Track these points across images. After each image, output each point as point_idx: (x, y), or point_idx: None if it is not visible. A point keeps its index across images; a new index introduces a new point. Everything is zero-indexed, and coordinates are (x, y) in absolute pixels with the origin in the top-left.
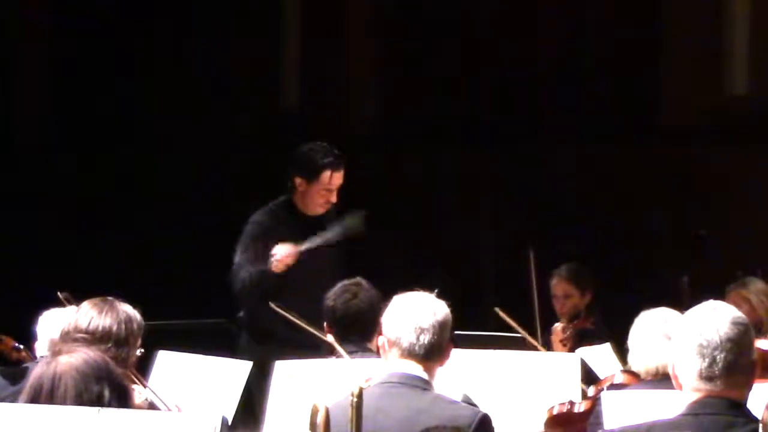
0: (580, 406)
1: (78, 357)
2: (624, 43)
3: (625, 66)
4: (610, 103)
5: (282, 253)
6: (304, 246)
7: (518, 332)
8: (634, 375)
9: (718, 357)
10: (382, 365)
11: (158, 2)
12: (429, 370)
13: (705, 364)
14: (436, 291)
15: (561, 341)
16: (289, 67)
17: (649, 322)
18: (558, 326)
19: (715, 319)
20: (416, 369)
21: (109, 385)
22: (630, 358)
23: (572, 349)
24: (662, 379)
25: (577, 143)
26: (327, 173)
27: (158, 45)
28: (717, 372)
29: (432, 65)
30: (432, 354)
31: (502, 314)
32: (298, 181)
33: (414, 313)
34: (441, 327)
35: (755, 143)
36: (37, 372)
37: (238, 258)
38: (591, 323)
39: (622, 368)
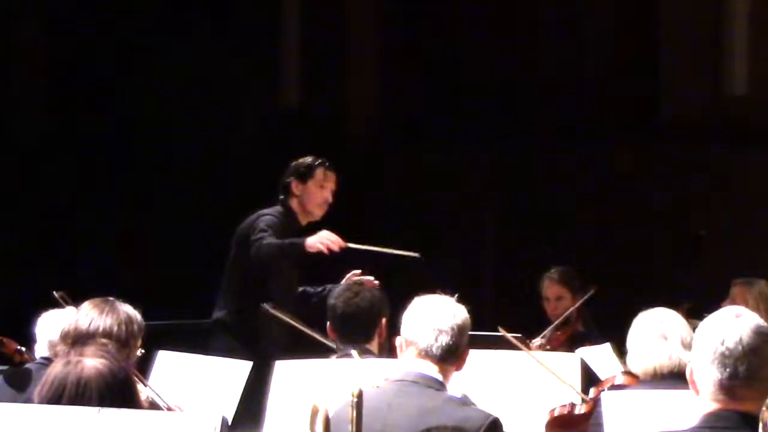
0: (581, 408)
1: (105, 366)
2: (624, 43)
3: (625, 66)
4: (610, 103)
5: (327, 238)
6: (352, 244)
7: (519, 346)
8: (634, 376)
9: (740, 368)
10: (383, 365)
11: (158, 2)
12: (444, 372)
13: (726, 374)
14: (456, 295)
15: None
16: (289, 67)
17: (646, 323)
18: (537, 343)
19: (738, 327)
20: (432, 369)
21: (130, 404)
22: (628, 359)
23: (568, 350)
24: (661, 380)
25: (577, 143)
26: (320, 170)
27: (158, 45)
28: (737, 383)
29: (432, 65)
30: (448, 356)
31: (503, 332)
32: (294, 184)
33: (433, 314)
34: (459, 330)
35: (755, 143)
36: (59, 371)
37: (264, 232)
38: (581, 325)
39: (622, 369)
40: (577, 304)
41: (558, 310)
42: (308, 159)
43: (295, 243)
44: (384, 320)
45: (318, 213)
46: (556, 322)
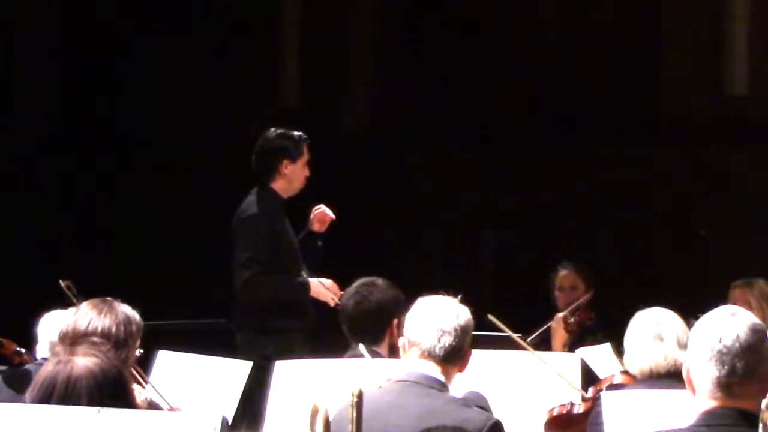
0: (579, 408)
1: (96, 364)
2: (624, 43)
3: (625, 66)
4: (610, 103)
5: (328, 289)
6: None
7: (511, 335)
8: (632, 376)
9: (737, 365)
10: (385, 366)
11: (159, 2)
12: (447, 373)
13: (724, 372)
14: (459, 296)
15: (565, 328)
16: (289, 67)
17: (641, 323)
18: (560, 315)
19: (734, 325)
20: (434, 370)
21: (121, 402)
22: (625, 359)
23: (575, 342)
24: (657, 380)
25: (577, 143)
26: (304, 146)
27: (158, 45)
28: (736, 380)
29: (432, 65)
30: (451, 357)
31: (493, 319)
32: (285, 164)
33: (437, 315)
34: (463, 331)
35: (755, 143)
36: (50, 371)
37: (250, 264)
38: (590, 318)
39: (621, 369)
40: (589, 295)
41: (571, 300)
42: (288, 135)
43: (303, 288)
44: (395, 322)
45: (299, 188)
46: (571, 307)
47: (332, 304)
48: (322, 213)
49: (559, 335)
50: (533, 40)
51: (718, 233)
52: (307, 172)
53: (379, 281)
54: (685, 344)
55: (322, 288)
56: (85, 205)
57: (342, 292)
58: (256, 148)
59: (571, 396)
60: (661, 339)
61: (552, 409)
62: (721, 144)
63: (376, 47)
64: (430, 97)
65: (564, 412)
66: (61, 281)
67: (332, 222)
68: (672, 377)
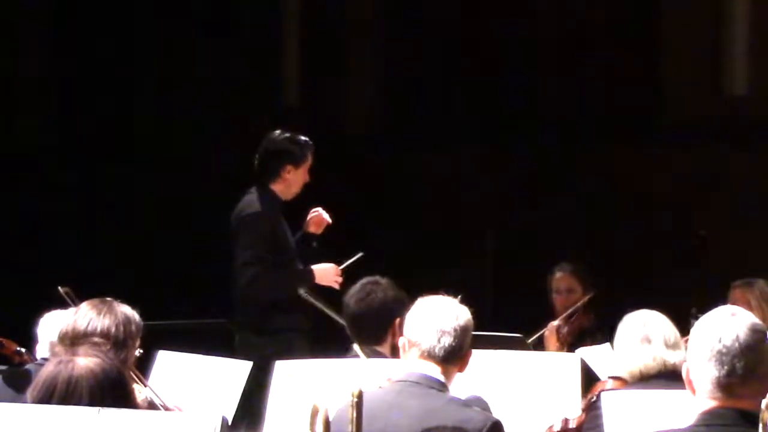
0: (573, 422)
1: (97, 364)
2: (624, 43)
3: (625, 66)
4: (610, 103)
5: (332, 273)
6: (344, 264)
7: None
8: (623, 380)
9: (737, 365)
10: (385, 366)
11: (159, 3)
12: (447, 374)
13: (723, 372)
14: (459, 297)
15: (559, 340)
16: (289, 67)
17: (629, 326)
18: (554, 324)
19: (734, 325)
20: (434, 371)
21: (122, 402)
22: (615, 363)
23: (569, 349)
24: (647, 381)
25: (578, 143)
26: (309, 153)
27: (158, 45)
28: (735, 380)
29: (432, 65)
30: (451, 357)
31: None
32: (288, 169)
33: (437, 315)
34: (462, 331)
35: (755, 143)
36: (51, 371)
37: (255, 261)
38: (588, 320)
39: (610, 374)
40: (585, 299)
41: (568, 302)
42: (295, 140)
43: (308, 274)
44: (398, 321)
45: (297, 193)
46: (566, 314)
47: (337, 286)
48: (319, 216)
49: (552, 344)
50: (533, 39)
51: (718, 233)
52: (307, 178)
53: (383, 280)
54: (672, 344)
55: (325, 273)
56: (85, 205)
57: (344, 264)
58: (260, 148)
59: (570, 395)
60: (649, 341)
61: (551, 426)
62: (721, 144)
63: (376, 47)
64: (430, 99)
65: (560, 428)
66: (60, 288)
67: (329, 224)
68: (662, 378)
